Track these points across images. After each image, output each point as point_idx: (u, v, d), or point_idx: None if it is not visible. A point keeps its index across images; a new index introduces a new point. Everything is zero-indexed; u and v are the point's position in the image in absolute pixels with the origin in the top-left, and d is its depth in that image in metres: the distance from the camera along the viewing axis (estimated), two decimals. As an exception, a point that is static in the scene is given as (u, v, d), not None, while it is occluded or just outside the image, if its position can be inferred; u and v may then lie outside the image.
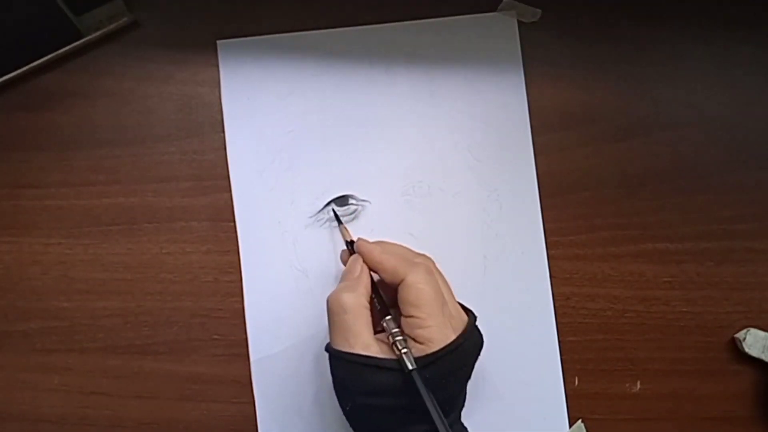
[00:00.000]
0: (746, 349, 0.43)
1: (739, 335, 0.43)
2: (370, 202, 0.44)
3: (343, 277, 0.39)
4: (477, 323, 0.38)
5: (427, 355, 0.34)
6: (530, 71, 0.44)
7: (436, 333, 0.35)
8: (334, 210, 0.43)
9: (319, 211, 0.44)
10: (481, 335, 0.38)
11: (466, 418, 0.38)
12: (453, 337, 0.35)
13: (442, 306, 0.36)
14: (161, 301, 0.44)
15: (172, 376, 0.44)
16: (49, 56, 0.44)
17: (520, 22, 0.44)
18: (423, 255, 0.40)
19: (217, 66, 0.45)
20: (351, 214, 0.44)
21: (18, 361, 0.45)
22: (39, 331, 0.45)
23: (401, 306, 0.36)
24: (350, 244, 0.42)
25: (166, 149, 0.45)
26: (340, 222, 0.43)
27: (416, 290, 0.36)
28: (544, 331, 0.44)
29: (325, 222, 0.44)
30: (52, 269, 0.45)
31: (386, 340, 0.36)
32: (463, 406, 0.38)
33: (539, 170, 0.44)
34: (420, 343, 0.35)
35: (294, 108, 0.44)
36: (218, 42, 0.45)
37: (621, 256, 0.44)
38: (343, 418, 0.37)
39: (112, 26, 0.44)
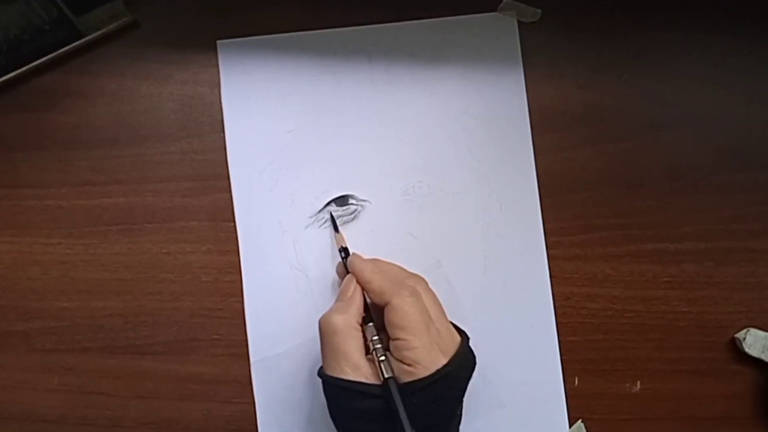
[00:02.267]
0: (746, 349, 0.43)
1: (739, 335, 0.43)
2: (370, 202, 0.44)
3: (338, 297, 0.39)
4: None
5: (415, 381, 0.34)
6: (530, 71, 0.44)
7: (423, 354, 0.35)
8: (331, 214, 0.43)
9: (319, 211, 0.44)
10: (473, 356, 0.38)
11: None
12: (442, 360, 0.35)
13: (428, 327, 0.36)
14: (161, 301, 0.44)
15: (172, 376, 0.44)
16: (49, 56, 0.44)
17: (520, 22, 0.44)
18: (416, 276, 0.40)
19: (217, 66, 0.45)
20: (351, 214, 0.44)
21: (18, 361, 0.45)
22: (39, 331, 0.45)
23: (388, 328, 0.36)
24: (344, 251, 0.42)
25: (166, 149, 0.45)
26: (336, 229, 0.43)
27: (401, 312, 0.36)
28: (544, 331, 0.44)
29: (324, 222, 0.44)
30: (52, 269, 0.45)
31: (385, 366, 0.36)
32: (458, 425, 0.38)
33: (539, 170, 0.44)
34: (408, 365, 0.35)
35: (294, 108, 0.44)
36: (218, 42, 0.45)
37: (621, 256, 0.44)
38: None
39: (112, 26, 0.44)
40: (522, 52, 0.44)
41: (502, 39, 0.45)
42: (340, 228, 0.43)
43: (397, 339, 0.36)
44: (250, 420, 0.44)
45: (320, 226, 0.44)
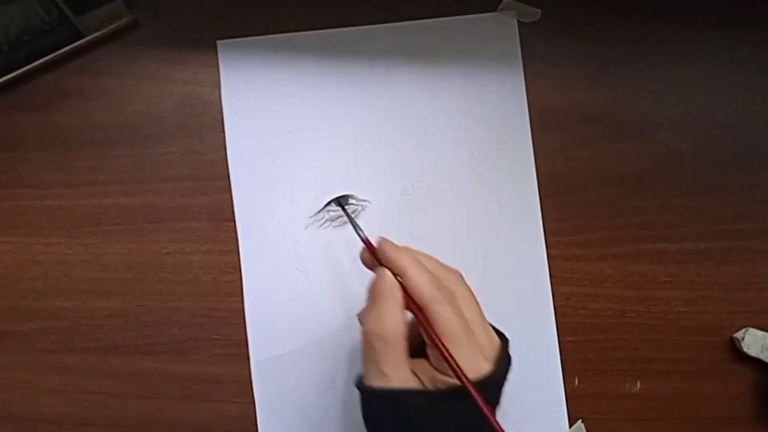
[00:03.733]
0: (745, 349, 0.43)
1: (738, 335, 0.43)
2: (370, 202, 0.44)
3: (374, 299, 0.34)
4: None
5: (450, 388, 0.32)
6: (530, 71, 0.44)
7: (465, 364, 0.32)
8: (343, 207, 0.42)
9: (319, 211, 0.44)
10: (510, 361, 0.35)
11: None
12: (486, 366, 0.32)
13: (468, 334, 0.33)
14: (161, 301, 0.44)
15: (172, 376, 0.44)
16: (49, 56, 0.44)
17: (520, 22, 0.44)
18: (453, 271, 0.36)
19: (217, 66, 0.45)
20: (351, 214, 0.44)
21: (18, 361, 0.45)
22: (39, 331, 0.45)
23: (425, 334, 0.33)
24: (366, 243, 0.37)
25: (166, 149, 0.45)
26: (354, 223, 0.38)
27: (440, 320, 0.32)
28: (544, 331, 0.44)
29: (325, 222, 0.44)
30: (52, 269, 0.45)
31: (428, 371, 0.33)
32: None
33: (539, 170, 0.44)
34: (449, 375, 0.32)
35: (294, 108, 0.44)
36: (218, 42, 0.45)
37: (621, 256, 0.44)
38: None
39: (112, 26, 0.44)
40: (522, 52, 0.44)
41: (502, 39, 0.45)
42: (341, 226, 0.43)
43: (436, 347, 0.32)
44: (250, 420, 0.44)
45: (320, 226, 0.44)
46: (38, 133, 0.45)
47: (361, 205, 0.44)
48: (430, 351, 0.33)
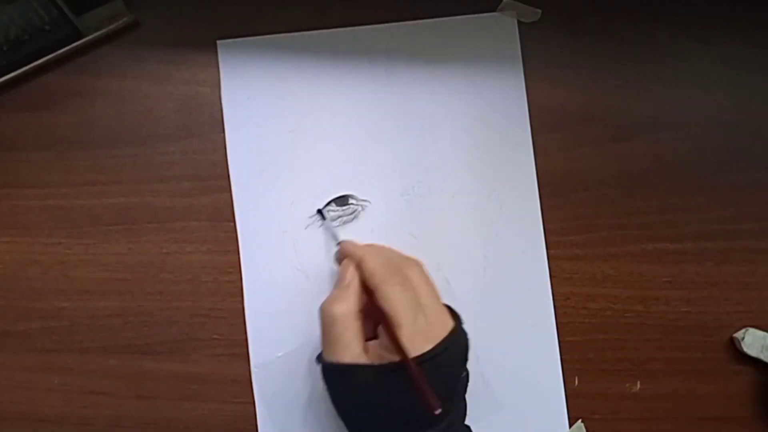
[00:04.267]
0: (745, 349, 0.43)
1: (738, 335, 0.43)
2: (370, 202, 0.44)
3: (335, 285, 0.39)
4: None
5: (393, 362, 0.34)
6: (530, 71, 0.44)
7: (407, 342, 0.34)
8: (320, 210, 0.43)
9: (319, 210, 0.44)
10: (465, 339, 0.37)
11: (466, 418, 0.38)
12: (427, 347, 0.35)
13: (415, 317, 0.35)
14: (161, 301, 0.44)
15: (172, 376, 0.44)
16: (49, 56, 0.44)
17: (520, 22, 0.44)
18: (410, 259, 0.39)
19: (217, 66, 0.45)
20: (351, 214, 0.44)
21: (18, 361, 0.45)
22: (39, 331, 0.45)
23: (374, 313, 0.37)
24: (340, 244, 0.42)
25: (166, 149, 0.45)
26: (331, 229, 0.43)
27: (387, 300, 0.35)
28: (544, 331, 0.44)
29: (324, 222, 0.44)
30: (52, 269, 0.45)
31: (378, 349, 0.36)
32: (464, 416, 0.38)
33: (539, 170, 0.44)
34: (394, 354, 0.35)
35: (294, 108, 0.44)
36: (218, 42, 0.45)
37: (621, 256, 0.44)
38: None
39: (112, 26, 0.44)
40: (522, 52, 0.44)
41: (502, 39, 0.45)
42: (341, 226, 0.43)
43: (385, 325, 0.35)
44: (250, 420, 0.44)
45: (320, 226, 0.44)
46: (38, 133, 0.45)
47: (361, 205, 0.44)
48: (379, 331, 0.36)
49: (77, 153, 0.45)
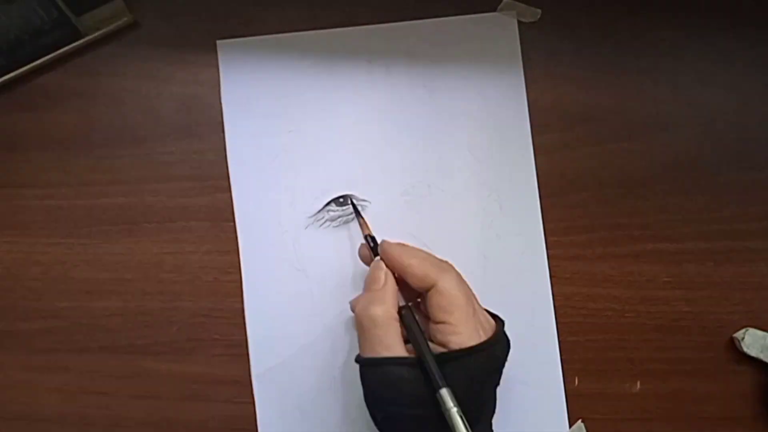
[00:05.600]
0: (745, 349, 0.43)
1: (738, 335, 0.43)
2: (370, 202, 0.44)
3: (368, 286, 0.38)
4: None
5: (452, 351, 0.34)
6: (530, 71, 0.44)
7: (467, 340, 0.34)
8: (352, 202, 0.43)
9: (319, 211, 0.44)
10: (508, 341, 0.37)
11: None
12: (484, 336, 0.35)
13: (474, 312, 0.36)
14: (161, 301, 0.44)
15: (172, 376, 0.44)
16: (49, 56, 0.44)
17: (520, 22, 0.44)
18: (446, 261, 0.39)
19: (217, 66, 0.45)
20: (351, 214, 0.44)
21: (18, 361, 0.45)
22: (39, 331, 0.45)
23: (432, 312, 0.36)
24: (369, 238, 0.41)
25: (166, 149, 0.45)
26: (360, 215, 0.42)
27: (449, 295, 0.35)
28: (544, 331, 0.44)
29: (325, 222, 0.44)
30: (52, 269, 0.45)
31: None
32: (493, 414, 0.37)
33: (539, 170, 0.44)
34: (439, 348, 0.35)
35: (294, 108, 0.44)
36: (218, 42, 0.45)
37: (621, 256, 0.44)
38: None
39: (112, 26, 0.44)
40: (522, 52, 0.44)
41: (502, 39, 0.45)
42: (341, 226, 0.43)
43: (443, 323, 0.35)
44: (250, 420, 0.44)
45: (320, 226, 0.44)
46: (38, 133, 0.45)
47: (361, 205, 0.44)
48: (433, 327, 0.36)
49: (77, 153, 0.45)
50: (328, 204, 0.44)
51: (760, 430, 0.44)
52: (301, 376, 0.44)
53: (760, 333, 0.43)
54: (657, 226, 0.44)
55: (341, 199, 0.44)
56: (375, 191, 0.44)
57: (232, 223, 0.44)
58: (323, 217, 0.44)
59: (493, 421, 0.41)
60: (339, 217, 0.44)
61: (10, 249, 0.45)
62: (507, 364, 0.43)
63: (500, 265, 0.44)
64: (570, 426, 0.44)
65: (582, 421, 0.44)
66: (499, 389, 0.43)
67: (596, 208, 0.44)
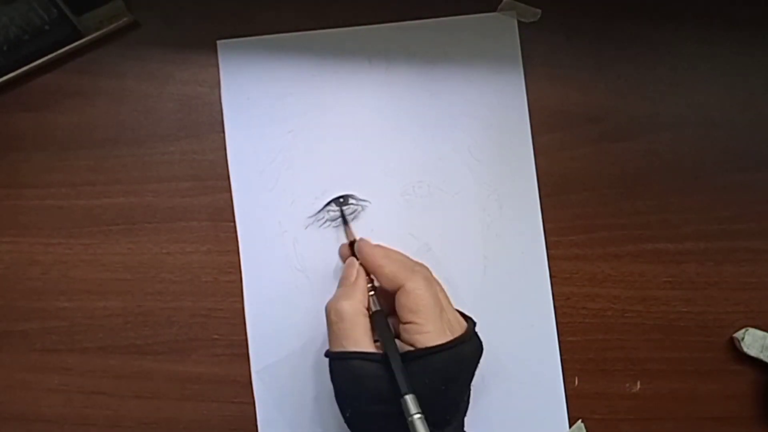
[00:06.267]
0: (745, 349, 0.43)
1: (738, 335, 0.43)
2: (370, 202, 0.44)
3: (341, 283, 0.39)
4: (478, 327, 0.38)
5: (418, 349, 0.34)
6: (530, 71, 0.44)
7: (435, 339, 0.35)
8: (341, 210, 0.43)
9: (319, 211, 0.44)
10: (480, 343, 0.38)
11: (466, 417, 0.38)
12: (450, 337, 0.35)
13: (441, 312, 0.36)
14: (161, 301, 0.44)
15: (172, 376, 0.44)
16: (49, 56, 0.44)
17: (520, 22, 0.44)
18: (421, 263, 0.40)
19: (217, 66, 0.45)
20: (351, 214, 0.44)
21: (18, 361, 0.45)
22: (39, 331, 0.45)
23: (399, 312, 0.36)
24: (353, 244, 0.42)
25: (166, 149, 0.45)
26: (346, 222, 0.43)
27: (415, 296, 0.36)
28: (544, 331, 0.44)
29: (325, 222, 0.44)
30: (52, 269, 0.45)
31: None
32: (465, 413, 0.38)
33: (539, 170, 0.44)
34: (405, 345, 0.35)
35: (294, 108, 0.44)
36: (218, 42, 0.45)
37: (621, 256, 0.44)
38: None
39: (112, 26, 0.44)
40: (522, 52, 0.44)
41: (502, 39, 0.45)
42: (341, 226, 0.43)
43: (410, 323, 0.36)
44: (250, 420, 0.44)
45: (320, 226, 0.44)
46: (38, 133, 0.45)
47: (361, 205, 0.44)
48: (401, 327, 0.36)
49: (77, 153, 0.45)
50: (328, 204, 0.44)
51: (760, 430, 0.44)
52: (301, 375, 0.44)
53: (760, 333, 0.43)
54: (657, 226, 0.44)
55: (341, 199, 0.44)
56: (375, 191, 0.44)
57: (232, 223, 0.44)
58: (323, 217, 0.44)
59: (494, 421, 0.41)
60: (339, 217, 0.44)
61: (10, 249, 0.45)
62: (507, 363, 0.44)
63: (500, 265, 0.44)
64: (570, 426, 0.44)
65: (582, 421, 0.44)
66: (499, 389, 0.43)
67: (596, 208, 0.44)
